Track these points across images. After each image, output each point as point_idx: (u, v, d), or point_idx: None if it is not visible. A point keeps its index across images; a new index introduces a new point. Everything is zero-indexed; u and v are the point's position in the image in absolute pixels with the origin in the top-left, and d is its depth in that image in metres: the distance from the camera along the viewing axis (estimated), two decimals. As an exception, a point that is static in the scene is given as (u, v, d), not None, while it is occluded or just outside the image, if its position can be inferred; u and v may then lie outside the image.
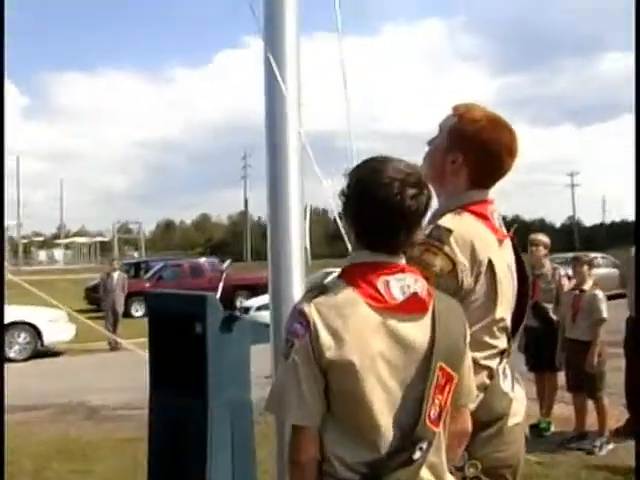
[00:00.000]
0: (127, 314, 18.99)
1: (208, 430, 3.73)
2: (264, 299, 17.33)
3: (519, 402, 2.27)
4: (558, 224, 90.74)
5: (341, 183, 1.92)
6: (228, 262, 5.96)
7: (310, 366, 1.78)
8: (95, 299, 21.29)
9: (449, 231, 2.07)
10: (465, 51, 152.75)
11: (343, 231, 2.05)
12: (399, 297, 1.81)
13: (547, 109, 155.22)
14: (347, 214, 1.92)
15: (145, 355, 4.57)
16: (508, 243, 2.27)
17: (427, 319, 1.84)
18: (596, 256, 21.07)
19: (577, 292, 6.43)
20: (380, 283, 1.82)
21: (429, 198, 1.87)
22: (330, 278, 2.00)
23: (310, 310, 1.80)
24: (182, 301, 4.26)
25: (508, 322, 2.21)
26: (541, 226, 74.95)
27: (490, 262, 2.12)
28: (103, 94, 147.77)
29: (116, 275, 16.35)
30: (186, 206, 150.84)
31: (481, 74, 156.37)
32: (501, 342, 2.18)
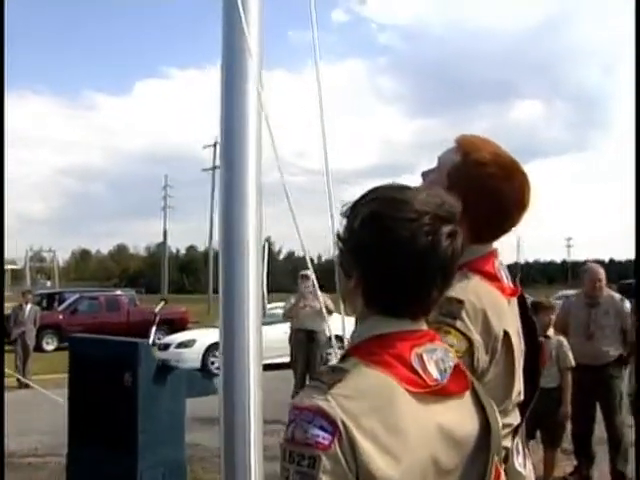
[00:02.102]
0: (38, 348, 18.09)
1: (136, 495, 3.32)
2: (185, 335, 16.82)
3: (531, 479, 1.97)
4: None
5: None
6: (162, 304, 5.62)
7: None
8: (4, 331, 20.27)
9: (459, 302, 1.71)
10: (385, 92, 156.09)
11: (339, 286, 1.49)
12: (438, 377, 1.33)
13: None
14: (352, 264, 1.38)
15: (58, 398, 4.12)
16: (514, 300, 1.96)
17: (467, 399, 1.40)
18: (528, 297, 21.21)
19: (542, 339, 6.23)
20: (414, 359, 1.32)
21: (462, 237, 1.39)
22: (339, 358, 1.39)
23: (333, 406, 1.22)
24: (110, 347, 3.85)
25: (522, 393, 1.90)
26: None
27: (506, 335, 1.79)
28: (21, 118, 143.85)
29: (28, 308, 15.56)
30: (103, 235, 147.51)
31: (399, 115, 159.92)
32: (515, 418, 1.87)
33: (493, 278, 1.85)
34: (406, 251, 1.31)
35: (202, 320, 26.90)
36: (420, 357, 1.33)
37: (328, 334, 10.62)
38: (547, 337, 6.22)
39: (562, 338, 6.27)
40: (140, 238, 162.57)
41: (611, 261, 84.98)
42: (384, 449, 1.22)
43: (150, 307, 26.83)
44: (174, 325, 22.90)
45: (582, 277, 6.58)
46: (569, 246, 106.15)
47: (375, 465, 1.21)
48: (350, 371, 1.28)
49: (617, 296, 6.56)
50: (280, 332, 11.72)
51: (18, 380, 13.94)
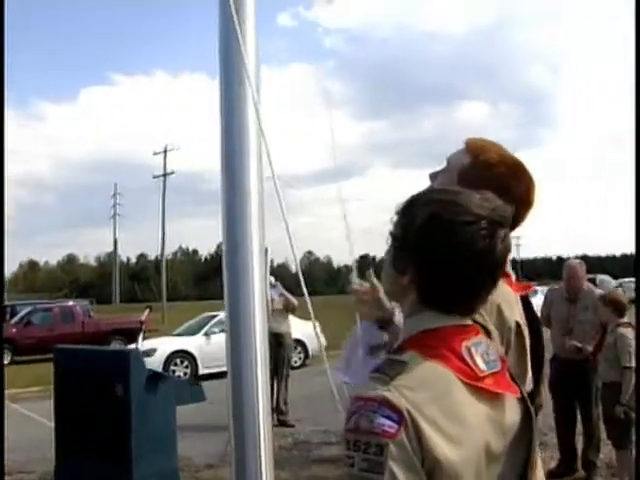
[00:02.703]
0: (-8, 363, 17.68)
1: (131, 506, 3.28)
2: (145, 345, 16.56)
3: None
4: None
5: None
6: (147, 311, 5.58)
7: (417, 476, 1.25)
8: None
9: None
10: (332, 95, 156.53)
11: (387, 282, 1.55)
12: (484, 367, 1.40)
13: (411, 153, 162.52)
14: (408, 261, 1.42)
15: (30, 412, 4.07)
16: (518, 295, 2.03)
17: None
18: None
19: None
20: (464, 352, 1.39)
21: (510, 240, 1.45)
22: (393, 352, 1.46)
23: (397, 397, 1.27)
24: (98, 357, 3.80)
25: (532, 383, 1.97)
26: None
27: (518, 327, 1.87)
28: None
29: (-18, 321, 15.20)
30: (52, 246, 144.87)
31: (347, 118, 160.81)
32: None
33: (503, 274, 1.92)
34: (465, 253, 1.37)
35: (158, 328, 26.58)
36: (469, 350, 1.40)
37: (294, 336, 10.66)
38: None
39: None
40: (90, 248, 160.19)
41: (559, 258, 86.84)
42: (447, 436, 1.28)
43: (104, 318, 26.56)
44: (133, 335, 22.60)
45: (563, 273, 6.66)
46: (518, 244, 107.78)
47: (440, 451, 1.27)
48: (409, 363, 1.34)
49: (598, 291, 6.61)
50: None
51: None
